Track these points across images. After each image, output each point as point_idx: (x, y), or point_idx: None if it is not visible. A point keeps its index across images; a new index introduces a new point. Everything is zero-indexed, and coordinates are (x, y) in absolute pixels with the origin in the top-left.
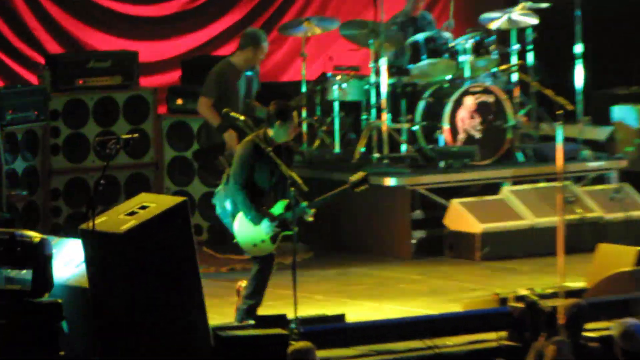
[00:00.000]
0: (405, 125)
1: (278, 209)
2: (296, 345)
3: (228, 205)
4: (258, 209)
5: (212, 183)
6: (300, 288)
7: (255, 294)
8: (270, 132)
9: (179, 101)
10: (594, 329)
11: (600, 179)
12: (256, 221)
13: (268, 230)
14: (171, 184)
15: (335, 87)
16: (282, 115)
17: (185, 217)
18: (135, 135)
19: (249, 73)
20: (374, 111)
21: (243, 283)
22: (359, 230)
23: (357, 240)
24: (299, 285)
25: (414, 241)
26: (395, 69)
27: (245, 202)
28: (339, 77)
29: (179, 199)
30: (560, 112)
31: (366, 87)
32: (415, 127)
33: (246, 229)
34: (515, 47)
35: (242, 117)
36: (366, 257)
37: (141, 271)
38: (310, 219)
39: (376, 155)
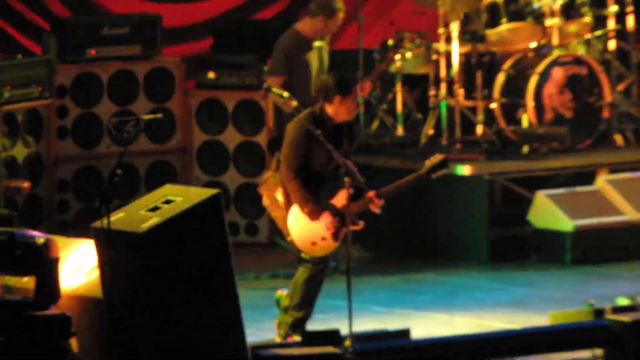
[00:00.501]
0: (481, 103)
1: (340, 199)
2: None
3: (280, 195)
4: (316, 200)
5: (252, 172)
6: (356, 298)
7: (304, 304)
8: (329, 109)
9: (211, 74)
10: None
11: None
12: (314, 215)
13: (329, 225)
14: (202, 174)
15: (397, 57)
16: (342, 88)
17: (218, 213)
18: (159, 115)
19: (318, 44)
20: (443, 86)
21: (283, 293)
22: (426, 229)
23: (424, 240)
24: (354, 294)
25: (492, 241)
26: (469, 36)
27: (300, 192)
28: (402, 46)
29: (211, 192)
30: None
31: (434, 57)
32: (494, 105)
33: (303, 225)
34: (613, 8)
35: (285, 94)
36: (435, 260)
37: (166, 278)
38: (377, 211)
39: (446, 139)
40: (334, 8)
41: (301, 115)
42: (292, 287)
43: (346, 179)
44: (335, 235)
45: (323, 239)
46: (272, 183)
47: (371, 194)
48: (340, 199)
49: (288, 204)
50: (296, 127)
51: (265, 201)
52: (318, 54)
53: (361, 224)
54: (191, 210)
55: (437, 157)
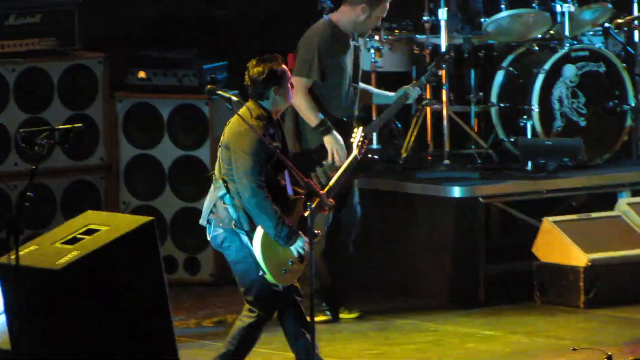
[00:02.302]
0: (475, 108)
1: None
2: None
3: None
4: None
5: (192, 195)
6: (322, 350)
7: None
8: (267, 106)
9: (141, 74)
10: None
11: None
12: (292, 237)
13: (301, 244)
14: (131, 197)
15: (369, 49)
16: (276, 77)
17: (151, 245)
18: (78, 125)
19: (355, 43)
20: (428, 87)
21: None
22: (407, 265)
23: (405, 278)
24: (322, 345)
25: (488, 280)
26: (460, 25)
27: (270, 210)
28: (373, 36)
29: (142, 219)
30: None
31: (416, 51)
32: (491, 111)
33: (272, 251)
34: None
35: (234, 98)
36: (417, 302)
37: (88, 326)
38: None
39: (432, 152)
40: None
41: (246, 116)
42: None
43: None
44: (302, 257)
45: (292, 263)
46: (225, 211)
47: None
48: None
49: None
50: (249, 134)
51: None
52: (354, 55)
53: (320, 232)
54: (118, 242)
55: (357, 132)
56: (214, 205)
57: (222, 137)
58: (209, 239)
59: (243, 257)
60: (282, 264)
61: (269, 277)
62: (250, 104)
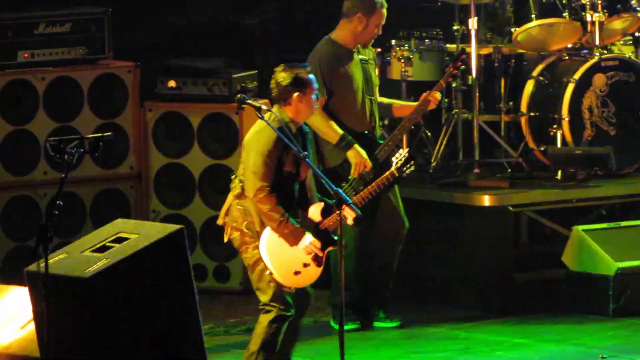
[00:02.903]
0: (505, 118)
1: (314, 215)
2: None
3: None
4: (294, 219)
5: (222, 204)
6: (351, 357)
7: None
8: (288, 111)
9: (171, 83)
10: None
11: None
12: (296, 236)
13: (314, 247)
14: (161, 206)
15: (399, 59)
16: (299, 83)
17: (181, 253)
18: (108, 134)
19: (361, 57)
20: (459, 96)
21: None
22: (437, 273)
23: (434, 287)
24: (351, 353)
25: (517, 288)
26: (490, 34)
27: (276, 210)
28: (400, 46)
29: (172, 228)
30: None
31: (446, 59)
32: (521, 120)
33: (281, 251)
34: None
35: (263, 106)
36: (446, 310)
37: (117, 334)
38: (351, 222)
39: (462, 161)
40: (375, 1)
41: (266, 123)
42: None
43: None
44: (318, 260)
45: (305, 265)
46: (238, 211)
47: (344, 205)
48: (314, 215)
49: (260, 230)
50: (266, 132)
51: (233, 234)
52: (361, 67)
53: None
54: (147, 250)
55: (401, 153)
56: (228, 208)
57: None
58: (225, 240)
59: (258, 260)
60: (294, 265)
61: (276, 276)
62: (275, 108)
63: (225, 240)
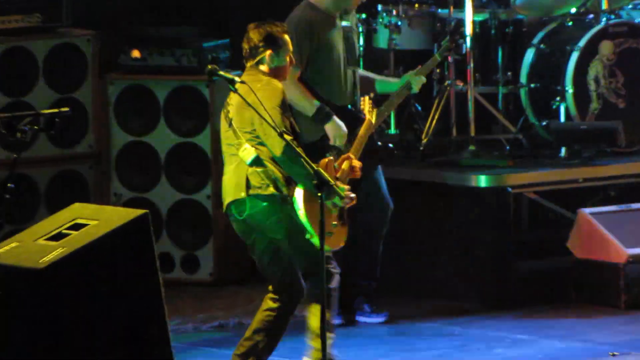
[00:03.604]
0: (503, 90)
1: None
2: None
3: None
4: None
5: (191, 186)
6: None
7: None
8: (264, 68)
9: (135, 53)
10: None
11: None
12: (329, 186)
13: (348, 197)
14: (123, 189)
15: (386, 25)
16: (272, 40)
17: (145, 241)
18: (65, 109)
19: (344, 24)
20: (452, 67)
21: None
22: (429, 261)
23: (426, 276)
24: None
25: (518, 277)
26: None
27: (303, 161)
28: (387, 11)
29: (135, 213)
30: None
31: (438, 26)
32: (520, 92)
33: (315, 208)
34: None
35: (236, 78)
36: (440, 303)
37: (74, 330)
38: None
39: (455, 138)
40: None
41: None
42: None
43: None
44: (343, 218)
45: (335, 224)
46: (260, 176)
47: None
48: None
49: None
50: (271, 85)
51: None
52: (345, 35)
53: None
54: (108, 238)
55: (365, 100)
56: (245, 178)
57: (227, 106)
58: (240, 217)
59: (283, 232)
60: (326, 225)
61: (315, 240)
62: (251, 70)
63: (241, 216)
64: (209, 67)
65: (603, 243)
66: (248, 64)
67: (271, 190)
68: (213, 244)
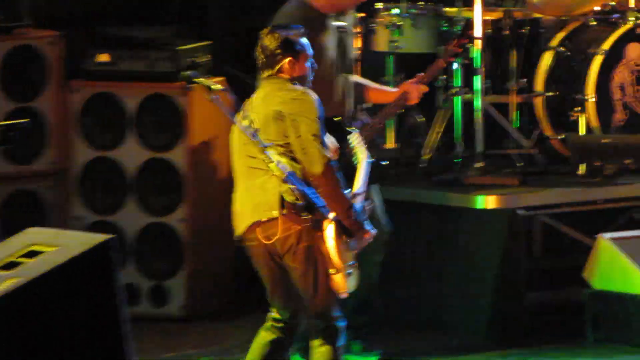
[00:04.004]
0: (516, 99)
1: None
2: None
3: None
4: None
5: (163, 208)
6: None
7: None
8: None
9: (103, 57)
10: None
11: None
12: (358, 225)
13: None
14: (86, 210)
15: (383, 27)
16: (291, 47)
17: (109, 270)
18: (23, 121)
19: (339, 24)
20: (459, 73)
21: None
22: (433, 291)
23: (429, 308)
24: None
25: (529, 310)
26: None
27: (342, 185)
28: (388, 10)
29: (99, 238)
30: None
31: (445, 27)
32: (535, 102)
33: (340, 245)
34: None
35: (216, 86)
36: (439, 338)
37: None
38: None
39: (461, 152)
40: None
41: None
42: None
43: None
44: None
45: (353, 263)
46: (294, 197)
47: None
48: None
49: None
50: (308, 97)
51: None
52: (338, 37)
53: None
54: (67, 266)
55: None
56: (279, 196)
57: (246, 115)
58: (267, 242)
59: (309, 262)
60: (347, 264)
61: (339, 278)
62: (274, 80)
63: (268, 241)
64: (186, 72)
65: (624, 272)
66: (265, 74)
67: (307, 212)
68: (185, 274)
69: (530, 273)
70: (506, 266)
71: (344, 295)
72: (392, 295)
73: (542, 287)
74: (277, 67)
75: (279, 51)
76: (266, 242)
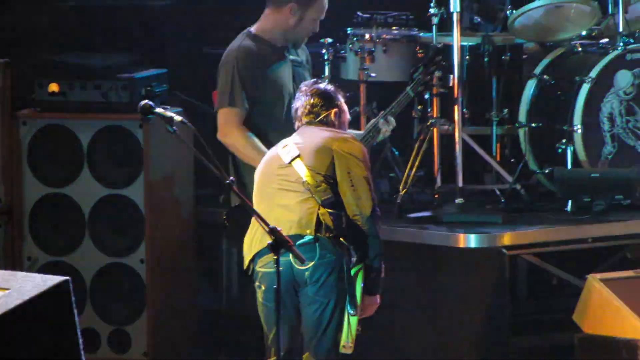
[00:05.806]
0: (497, 130)
1: None
2: None
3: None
4: None
5: (120, 248)
6: None
7: None
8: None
9: (53, 87)
10: None
11: None
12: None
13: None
14: (38, 251)
15: (356, 52)
16: (331, 99)
17: (65, 314)
18: None
19: (292, 56)
20: (435, 102)
21: None
22: (404, 335)
23: (400, 354)
24: None
25: (513, 357)
26: (479, 20)
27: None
28: (363, 35)
29: (53, 280)
30: None
31: (420, 54)
32: (519, 133)
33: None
34: None
35: (176, 117)
36: None
37: None
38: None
39: (440, 188)
40: None
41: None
42: None
43: None
44: None
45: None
46: (330, 220)
47: None
48: None
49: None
50: (358, 142)
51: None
52: (292, 70)
53: None
54: (18, 310)
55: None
56: (316, 215)
57: (294, 145)
58: (302, 266)
59: (323, 295)
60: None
61: (354, 321)
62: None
63: (298, 265)
64: (143, 103)
65: (616, 316)
66: (305, 119)
67: (342, 242)
68: (147, 318)
69: (516, 316)
70: (490, 309)
71: (349, 351)
72: (364, 340)
73: (529, 332)
74: (322, 116)
75: (321, 102)
76: (300, 266)
